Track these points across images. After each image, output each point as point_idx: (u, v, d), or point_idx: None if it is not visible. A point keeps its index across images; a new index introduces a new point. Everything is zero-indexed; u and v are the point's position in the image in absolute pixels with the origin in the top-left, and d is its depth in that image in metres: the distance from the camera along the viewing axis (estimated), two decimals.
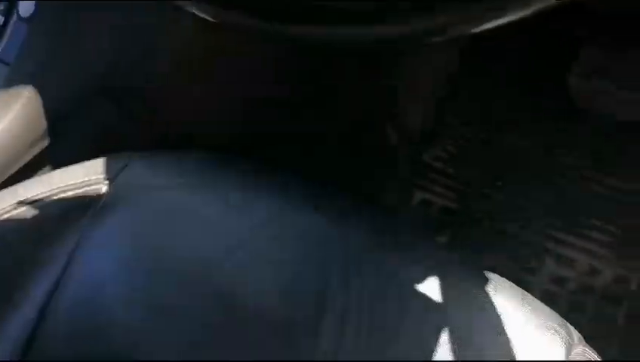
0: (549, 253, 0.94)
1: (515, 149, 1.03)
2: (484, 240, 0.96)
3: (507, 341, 0.42)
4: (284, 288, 0.45)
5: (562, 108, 1.00)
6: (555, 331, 0.43)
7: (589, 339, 0.47)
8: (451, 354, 0.41)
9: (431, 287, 0.44)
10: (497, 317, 0.43)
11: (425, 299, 0.43)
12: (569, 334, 0.44)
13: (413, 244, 0.49)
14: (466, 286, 0.45)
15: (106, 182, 0.53)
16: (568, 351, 0.43)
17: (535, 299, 0.47)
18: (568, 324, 0.46)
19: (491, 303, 0.44)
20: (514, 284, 0.48)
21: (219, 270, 0.47)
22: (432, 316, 0.42)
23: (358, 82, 1.03)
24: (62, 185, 0.52)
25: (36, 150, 0.65)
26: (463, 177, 1.04)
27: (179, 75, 0.71)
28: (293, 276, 0.46)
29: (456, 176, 1.04)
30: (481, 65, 1.07)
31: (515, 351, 0.41)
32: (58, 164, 0.58)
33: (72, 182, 0.53)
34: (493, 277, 0.47)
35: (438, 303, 0.43)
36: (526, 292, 0.47)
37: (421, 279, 0.44)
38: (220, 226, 0.49)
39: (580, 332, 0.47)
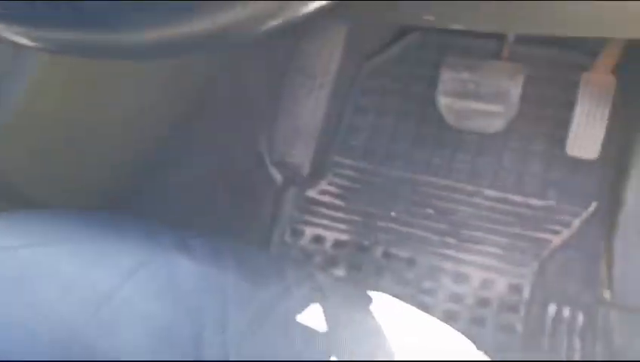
0: (444, 273, 0.94)
1: (401, 178, 1.04)
2: (379, 268, 0.96)
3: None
4: (158, 339, 0.41)
5: (439, 130, 1.03)
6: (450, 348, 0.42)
7: (492, 352, 0.46)
8: None
9: (313, 314, 0.41)
10: (385, 338, 0.40)
11: (307, 326, 0.40)
12: (467, 349, 0.43)
13: (292, 275, 0.46)
14: (353, 309, 0.42)
15: None
16: None
17: (432, 318, 0.45)
18: (467, 340, 0.45)
19: (378, 324, 0.42)
20: (409, 305, 0.46)
21: (84, 329, 0.42)
22: (317, 341, 0.39)
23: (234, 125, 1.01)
24: None
25: None
26: (354, 210, 1.03)
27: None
28: (165, 324, 0.41)
29: (346, 208, 1.03)
30: (359, 100, 1.09)
31: None
32: None
33: None
34: (383, 298, 0.45)
35: (322, 328, 0.40)
36: (421, 312, 0.46)
37: (301, 307, 0.41)
38: (81, 282, 0.44)
39: (482, 344, 0.46)
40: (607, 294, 0.88)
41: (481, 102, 0.91)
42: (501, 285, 0.92)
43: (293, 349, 0.40)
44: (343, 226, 1.01)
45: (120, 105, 0.77)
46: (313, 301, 0.42)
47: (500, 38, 0.94)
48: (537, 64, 0.96)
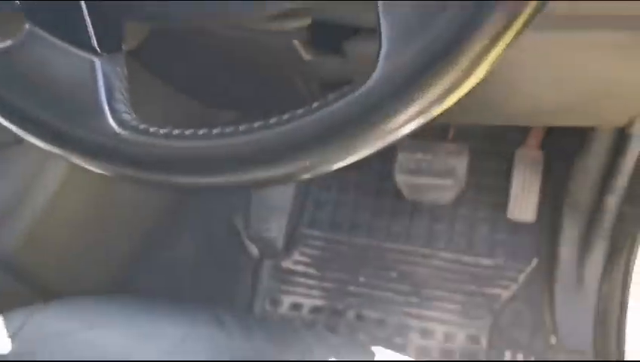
0: (411, 329, 1.06)
1: (365, 246, 1.16)
2: (353, 329, 1.06)
3: None
4: None
5: (396, 202, 1.16)
6: None
7: None
8: None
9: None
10: None
11: None
12: None
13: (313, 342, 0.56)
14: None
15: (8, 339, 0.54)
16: None
17: None
18: None
19: None
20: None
21: None
22: None
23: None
24: None
25: None
26: (327, 277, 1.14)
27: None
28: None
29: (319, 276, 1.14)
30: (323, 178, 1.21)
31: None
32: None
33: None
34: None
35: None
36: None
37: None
38: (135, 356, 0.53)
39: None
40: (553, 339, 1.01)
41: (433, 177, 1.05)
42: (462, 337, 1.04)
43: None
44: (317, 293, 1.11)
45: (123, 201, 0.86)
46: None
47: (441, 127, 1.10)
48: (479, 140, 1.12)
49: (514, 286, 1.08)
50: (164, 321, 0.57)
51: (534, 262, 1.09)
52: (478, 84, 0.32)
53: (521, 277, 1.08)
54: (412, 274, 1.12)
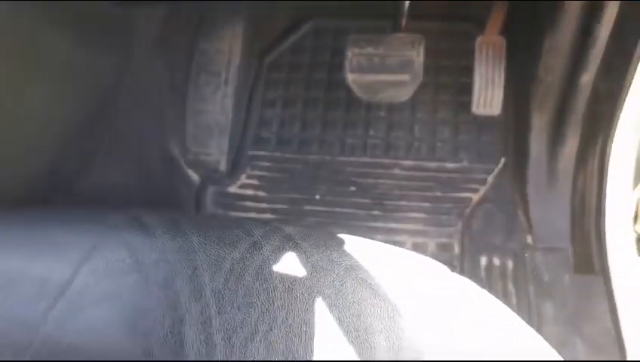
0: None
1: (319, 162, 1.05)
2: None
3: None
4: (131, 312, 0.39)
5: (347, 112, 1.05)
6: None
7: None
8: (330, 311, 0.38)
9: (289, 260, 0.40)
10: (367, 272, 0.40)
11: (285, 272, 0.39)
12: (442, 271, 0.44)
13: (258, 232, 0.45)
14: (328, 251, 0.42)
15: None
16: None
17: (403, 250, 0.46)
18: (440, 264, 0.46)
19: (357, 261, 0.42)
20: (379, 242, 0.46)
21: (39, 326, 0.39)
22: (298, 284, 0.39)
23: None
24: None
25: None
26: (279, 198, 1.03)
27: None
28: (136, 299, 0.39)
29: (270, 198, 1.03)
30: (266, 93, 1.10)
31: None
32: None
33: None
34: (355, 239, 0.45)
35: (301, 273, 0.39)
36: (391, 246, 0.46)
37: (276, 256, 0.40)
38: (25, 280, 0.41)
39: None
40: (529, 239, 0.94)
41: (387, 73, 0.94)
42: (432, 246, 0.95)
43: (276, 294, 0.39)
44: (269, 216, 1.00)
45: (25, 110, 0.72)
46: (286, 249, 0.41)
47: (392, 17, 0.98)
48: (433, 37, 1.01)
49: (483, 189, 0.99)
50: (71, 232, 0.44)
51: (502, 161, 1.01)
52: None
53: (490, 178, 1.00)
54: (372, 187, 1.02)
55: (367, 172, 1.03)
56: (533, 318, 0.83)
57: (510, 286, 0.88)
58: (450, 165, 1.02)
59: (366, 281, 0.40)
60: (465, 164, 1.01)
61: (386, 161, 1.04)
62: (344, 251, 0.42)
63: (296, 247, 0.42)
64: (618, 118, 0.85)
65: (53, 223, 0.47)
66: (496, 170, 1.00)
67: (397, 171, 1.03)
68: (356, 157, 1.04)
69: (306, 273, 0.40)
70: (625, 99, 0.83)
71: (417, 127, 1.05)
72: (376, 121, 1.06)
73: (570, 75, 0.86)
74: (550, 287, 0.87)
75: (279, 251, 0.41)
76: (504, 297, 0.86)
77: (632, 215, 0.98)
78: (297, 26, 1.13)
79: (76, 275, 0.41)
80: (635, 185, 0.98)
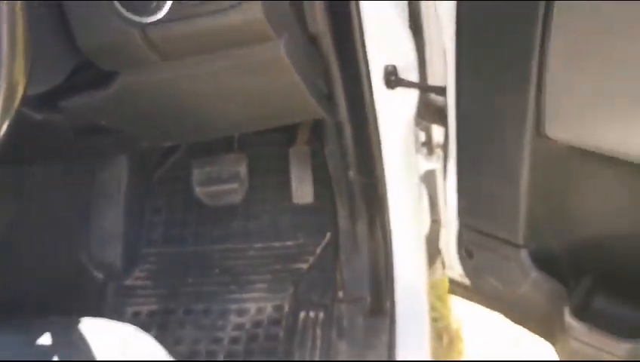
0: (231, 312, 1.27)
1: (193, 253, 1.38)
2: (182, 322, 1.27)
3: None
4: None
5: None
6: None
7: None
8: None
9: None
10: None
11: None
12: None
13: None
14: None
15: None
16: None
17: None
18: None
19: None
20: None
21: None
22: None
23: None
24: None
25: None
26: (162, 285, 1.35)
27: None
28: None
29: (155, 286, 1.35)
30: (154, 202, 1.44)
31: None
32: None
33: None
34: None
35: None
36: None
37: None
38: None
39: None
40: (340, 294, 1.25)
41: (222, 184, 1.29)
42: (269, 308, 1.26)
43: None
44: (154, 299, 1.32)
45: None
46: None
47: (230, 137, 1.34)
48: (257, 147, 1.37)
49: (312, 259, 1.31)
50: None
51: (327, 235, 1.33)
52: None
53: (318, 250, 1.32)
54: (232, 268, 1.34)
55: (228, 256, 1.36)
56: (331, 353, 1.14)
57: (317, 332, 1.19)
58: (289, 243, 1.34)
59: None
60: (300, 241, 1.34)
61: (243, 245, 1.37)
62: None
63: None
64: (386, 198, 1.18)
65: None
66: (323, 243, 1.32)
67: (251, 253, 1.36)
68: (220, 244, 1.38)
69: None
70: (384, 189, 1.15)
71: (265, 218, 1.39)
72: (234, 214, 1.40)
73: (343, 172, 1.20)
74: (347, 329, 1.17)
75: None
76: (312, 341, 1.17)
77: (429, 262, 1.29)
78: (171, 152, 1.48)
79: None
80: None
